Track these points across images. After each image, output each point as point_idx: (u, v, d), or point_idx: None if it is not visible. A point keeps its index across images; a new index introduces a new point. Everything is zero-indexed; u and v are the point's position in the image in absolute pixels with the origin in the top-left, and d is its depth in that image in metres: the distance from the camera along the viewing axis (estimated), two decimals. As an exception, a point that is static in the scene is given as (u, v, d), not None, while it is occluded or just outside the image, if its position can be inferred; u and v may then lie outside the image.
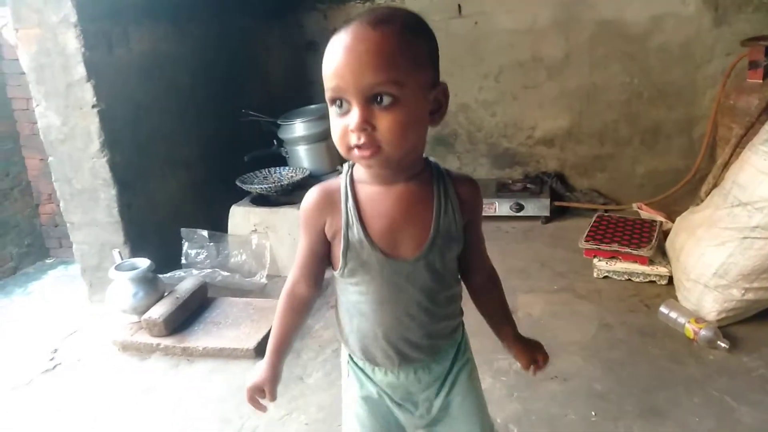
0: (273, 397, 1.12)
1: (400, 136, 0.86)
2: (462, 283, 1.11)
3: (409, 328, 1.01)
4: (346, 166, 1.00)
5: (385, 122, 0.85)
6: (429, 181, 0.98)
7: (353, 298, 1.02)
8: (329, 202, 0.97)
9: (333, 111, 0.89)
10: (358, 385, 1.10)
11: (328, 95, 0.88)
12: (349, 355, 1.10)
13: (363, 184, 0.97)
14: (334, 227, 0.97)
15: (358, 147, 0.86)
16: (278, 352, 1.12)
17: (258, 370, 1.12)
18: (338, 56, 0.85)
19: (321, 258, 1.03)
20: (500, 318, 1.18)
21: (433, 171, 0.99)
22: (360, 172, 0.98)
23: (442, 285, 1.01)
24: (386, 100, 0.84)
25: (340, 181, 0.98)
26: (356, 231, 0.95)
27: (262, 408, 1.13)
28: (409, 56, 0.86)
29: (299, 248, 1.05)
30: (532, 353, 1.18)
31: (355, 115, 0.85)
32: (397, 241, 0.96)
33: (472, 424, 1.13)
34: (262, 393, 1.12)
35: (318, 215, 0.98)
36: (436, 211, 0.96)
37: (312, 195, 1.00)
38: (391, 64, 0.84)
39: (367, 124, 0.84)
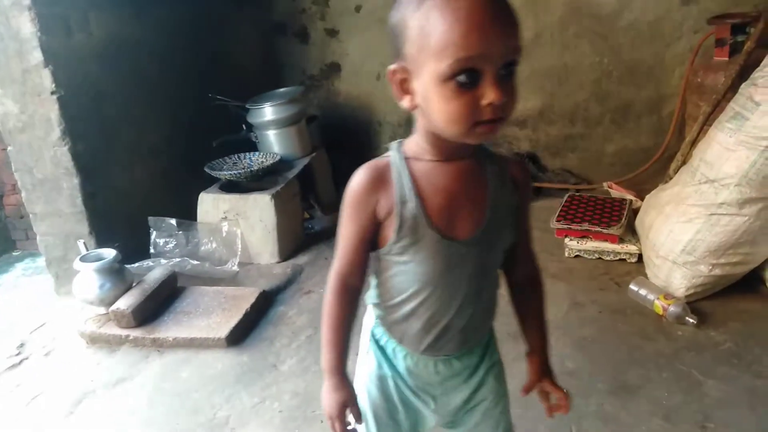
0: (359, 418, 1.02)
1: (516, 102, 0.80)
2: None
3: (450, 317, 0.94)
4: (395, 143, 0.93)
5: (509, 91, 0.77)
6: (482, 160, 0.91)
7: (400, 277, 0.94)
8: (380, 181, 0.89)
9: (450, 87, 0.76)
10: (375, 363, 1.04)
11: (452, 67, 0.74)
12: (372, 333, 1.05)
13: (417, 161, 0.89)
14: (388, 206, 0.88)
15: (493, 121, 0.77)
16: (342, 364, 1.00)
17: (331, 393, 1.00)
18: (478, 22, 0.72)
19: (369, 243, 0.94)
20: (531, 319, 1.08)
21: (484, 150, 0.92)
22: (414, 148, 0.90)
23: (489, 275, 0.96)
24: (512, 66, 0.77)
25: (391, 158, 0.90)
26: (413, 207, 0.87)
27: (358, 427, 1.04)
28: None
29: (345, 237, 0.94)
30: (540, 379, 1.08)
31: (492, 88, 0.75)
32: (454, 219, 0.89)
33: (497, 429, 1.09)
34: (345, 418, 1.01)
35: (369, 196, 0.89)
36: (493, 191, 0.90)
37: (361, 175, 0.90)
38: (519, 27, 0.77)
39: (505, 96, 0.76)
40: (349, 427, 1.01)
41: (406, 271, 0.92)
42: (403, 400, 1.05)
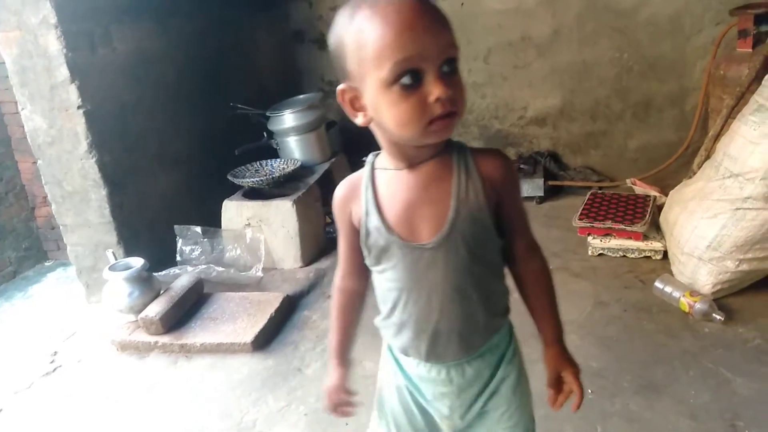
0: (348, 401, 1.10)
1: (465, 98, 0.83)
2: (504, 280, 1.02)
3: (436, 320, 0.94)
4: (371, 156, 0.97)
5: (454, 86, 0.79)
6: (450, 160, 0.91)
7: (383, 286, 0.98)
8: (353, 193, 0.96)
9: (395, 91, 0.78)
10: (392, 371, 1.06)
11: (393, 71, 0.76)
12: (388, 344, 1.08)
13: (383, 171, 0.93)
14: (358, 217, 0.95)
15: (446, 117, 0.79)
16: (340, 350, 1.11)
17: (329, 373, 1.12)
18: (407, 22, 0.76)
19: (358, 250, 0.99)
20: (540, 314, 1.04)
21: (455, 148, 0.92)
22: (383, 159, 0.94)
23: (471, 276, 0.93)
24: (453, 63, 0.80)
25: (363, 171, 0.96)
26: (374, 218, 0.92)
27: (349, 412, 1.11)
28: None
29: (339, 244, 1.04)
30: (558, 369, 1.03)
31: (436, 84, 0.77)
32: (414, 225, 0.90)
33: None
34: (341, 395, 1.10)
35: (344, 207, 0.98)
36: (455, 192, 0.89)
37: (338, 189, 0.99)
38: (450, 26, 0.80)
39: (451, 89, 0.78)
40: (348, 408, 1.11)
41: (385, 279, 0.97)
42: (419, 406, 1.05)
